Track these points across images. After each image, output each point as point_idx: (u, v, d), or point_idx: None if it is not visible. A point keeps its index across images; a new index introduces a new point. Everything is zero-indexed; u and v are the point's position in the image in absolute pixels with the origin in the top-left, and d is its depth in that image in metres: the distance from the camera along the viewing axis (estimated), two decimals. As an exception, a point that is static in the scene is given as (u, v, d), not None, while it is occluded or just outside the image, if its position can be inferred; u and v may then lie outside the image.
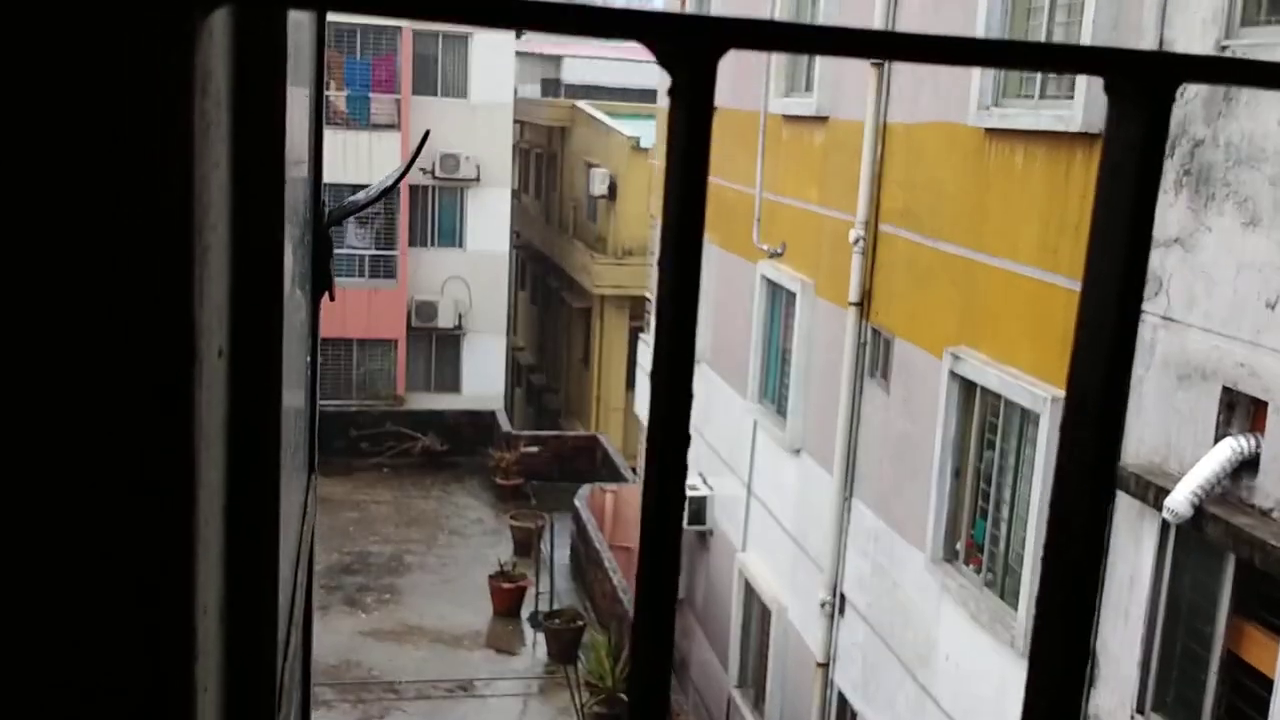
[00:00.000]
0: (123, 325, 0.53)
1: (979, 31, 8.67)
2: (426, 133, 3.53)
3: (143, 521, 0.55)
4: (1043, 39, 8.28)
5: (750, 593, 13.58)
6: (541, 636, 17.44)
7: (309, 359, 1.93)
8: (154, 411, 0.54)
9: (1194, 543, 6.64)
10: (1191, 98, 6.68)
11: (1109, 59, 0.47)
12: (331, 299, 2.00)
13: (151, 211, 0.52)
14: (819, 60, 11.77)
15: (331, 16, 24.86)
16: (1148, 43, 6.98)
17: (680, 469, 0.45)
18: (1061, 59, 0.47)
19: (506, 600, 18.24)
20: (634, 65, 35.94)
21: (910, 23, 10.07)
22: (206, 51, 0.60)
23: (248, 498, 0.89)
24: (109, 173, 0.51)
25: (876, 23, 10.39)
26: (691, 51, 0.41)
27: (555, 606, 17.85)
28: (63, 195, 0.50)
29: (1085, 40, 7.53)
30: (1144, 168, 0.46)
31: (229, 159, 0.77)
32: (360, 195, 2.77)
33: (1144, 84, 0.47)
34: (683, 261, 0.43)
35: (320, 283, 1.91)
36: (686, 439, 0.45)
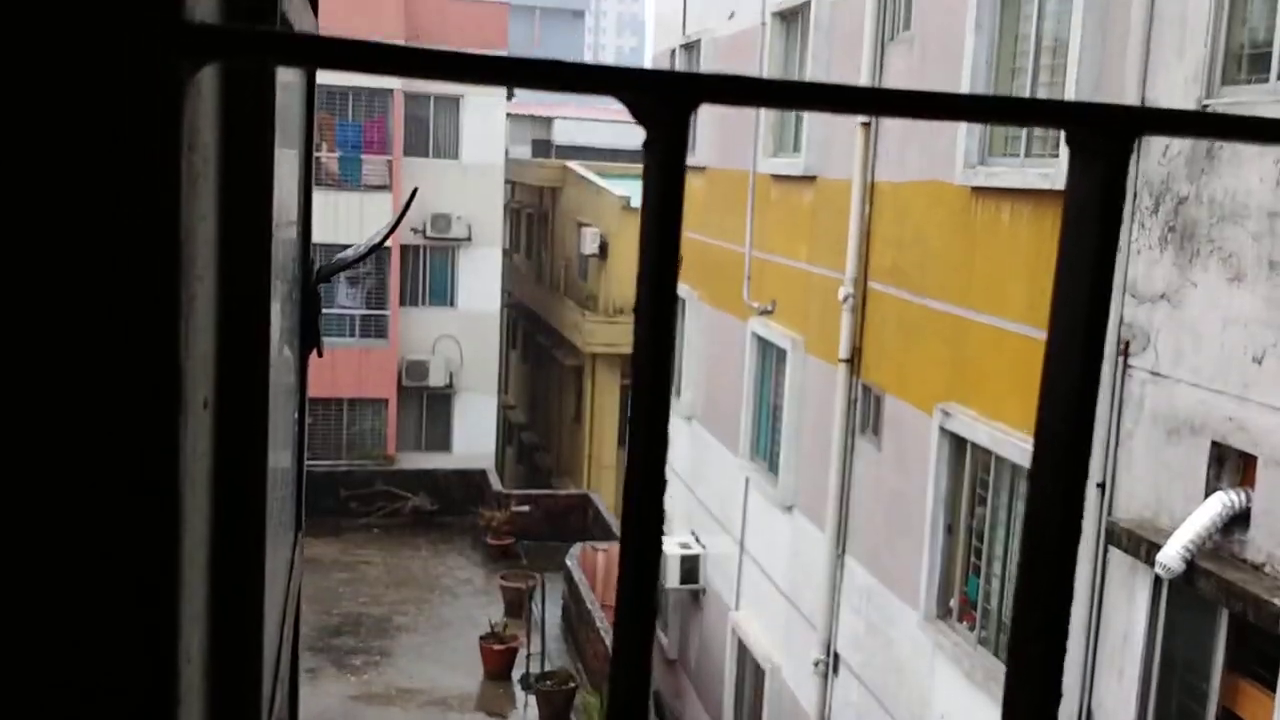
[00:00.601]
0: (109, 372, 0.53)
1: (970, 24, 8.77)
2: (414, 190, 3.56)
3: (126, 567, 0.55)
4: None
5: (743, 651, 13.47)
6: (533, 699, 17.23)
7: (296, 416, 1.93)
8: (140, 458, 0.54)
9: (1187, 598, 6.61)
10: (1175, 155, 6.76)
11: (1068, 111, 0.48)
12: (319, 355, 2.01)
13: (139, 261, 0.52)
14: (807, 121, 11.91)
15: (323, 79, 25.34)
16: (1130, 102, 7.08)
17: (658, 508, 0.46)
18: (1023, 112, 0.49)
19: (497, 662, 18.05)
20: (624, 126, 36.28)
21: (896, 82, 10.21)
22: (194, 107, 0.61)
23: (233, 550, 0.88)
24: (98, 222, 0.52)
25: (863, 83, 10.52)
26: (664, 105, 0.42)
27: (547, 668, 17.66)
28: (54, 241, 0.51)
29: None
30: (1104, 218, 0.48)
31: (216, 212, 0.78)
32: (349, 252, 2.79)
33: (1102, 136, 0.48)
34: (658, 308, 0.44)
35: (308, 339, 1.92)
36: (663, 483, 0.45)
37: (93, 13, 0.50)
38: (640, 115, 0.43)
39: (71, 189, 0.51)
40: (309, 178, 2.04)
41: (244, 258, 0.88)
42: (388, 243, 26.28)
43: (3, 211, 0.50)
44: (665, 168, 0.42)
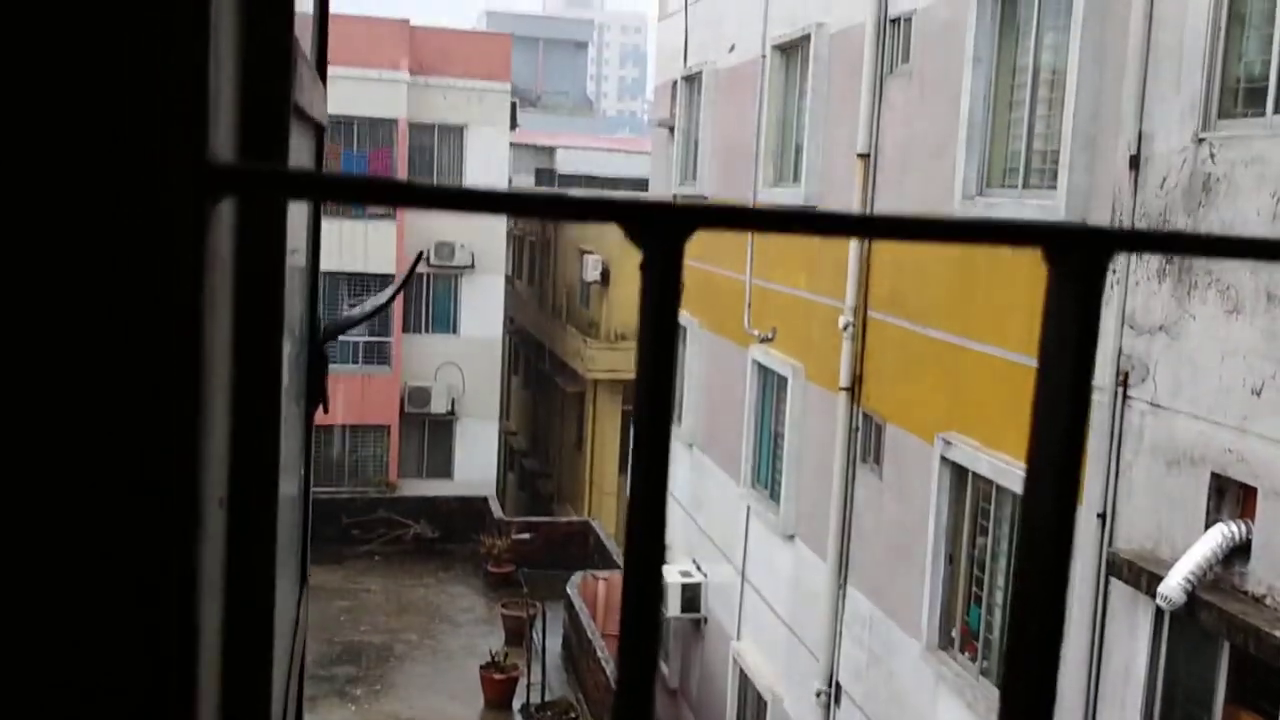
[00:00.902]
0: (129, 484, 0.56)
1: (968, 55, 8.82)
2: (420, 254, 3.61)
3: (143, 678, 0.58)
4: (1024, 131, 8.45)
5: (745, 682, 13.42)
6: (534, 728, 17.15)
7: (302, 473, 1.96)
8: (158, 565, 0.57)
9: (1188, 630, 6.60)
10: (1172, 188, 6.80)
11: (1045, 232, 0.51)
12: (325, 412, 2.04)
13: (162, 384, 0.56)
14: (807, 150, 11.98)
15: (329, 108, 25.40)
16: (1127, 134, 7.13)
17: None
18: (1000, 233, 0.51)
19: (498, 691, 17.98)
20: (625, 155, 36.45)
21: (895, 114, 10.28)
22: (216, 232, 0.65)
23: (243, 642, 0.91)
24: (121, 348, 0.55)
25: (862, 120, 10.59)
26: (661, 233, 0.45)
27: (547, 698, 17.59)
28: (86, 371, 0.55)
29: (1066, 131, 7.68)
30: (1082, 332, 0.50)
31: (231, 327, 0.82)
32: (355, 311, 2.82)
33: (1078, 254, 0.50)
34: (654, 412, 0.46)
35: (314, 397, 1.94)
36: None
37: (124, 154, 0.54)
38: (638, 240, 0.46)
39: (96, 320, 0.54)
40: (317, 233, 2.06)
41: (257, 357, 0.91)
42: (391, 269, 26.35)
43: (36, 336, 0.54)
44: (661, 290, 0.45)
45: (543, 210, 0.46)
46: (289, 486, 1.60)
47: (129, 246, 0.54)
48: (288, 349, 1.58)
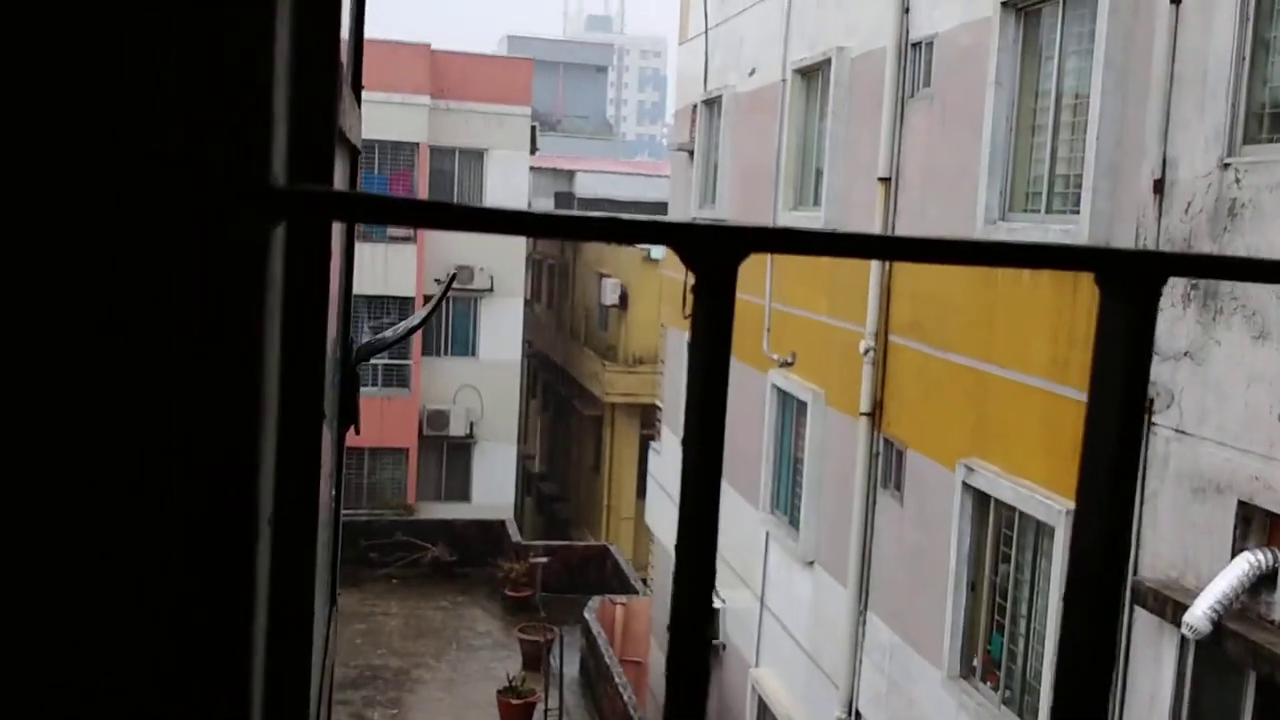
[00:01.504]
0: (190, 512, 0.57)
1: (990, 79, 8.80)
2: (453, 274, 3.62)
3: (204, 696, 0.59)
4: (1046, 156, 8.43)
5: (764, 709, 13.32)
6: (550, 753, 17.06)
7: (334, 492, 1.95)
8: (223, 583, 0.58)
9: (1214, 659, 6.52)
10: (1198, 212, 6.76)
11: (1098, 256, 0.50)
12: (357, 433, 2.03)
13: (223, 399, 0.57)
14: (827, 173, 11.98)
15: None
16: (1151, 160, 7.09)
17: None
18: (1052, 257, 0.50)
19: (515, 716, 17.90)
20: (644, 179, 36.57)
21: (916, 138, 10.27)
22: (274, 252, 0.67)
23: (284, 662, 0.91)
24: (190, 375, 0.56)
25: (882, 144, 10.59)
26: (715, 255, 0.45)
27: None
28: (156, 394, 0.56)
29: (1089, 156, 7.65)
30: (1133, 356, 0.49)
31: (279, 348, 0.83)
32: (389, 333, 2.82)
33: (1131, 278, 0.49)
34: (706, 441, 0.46)
35: (346, 418, 1.94)
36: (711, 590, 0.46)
37: (191, 180, 0.55)
38: (692, 263, 0.46)
39: (163, 342, 0.56)
40: (350, 256, 2.06)
41: (301, 378, 0.92)
42: (411, 292, 26.47)
43: (105, 360, 0.55)
44: (714, 312, 0.45)
45: (595, 233, 0.46)
46: (323, 507, 1.59)
47: (197, 269, 0.55)
48: (325, 371, 1.59)
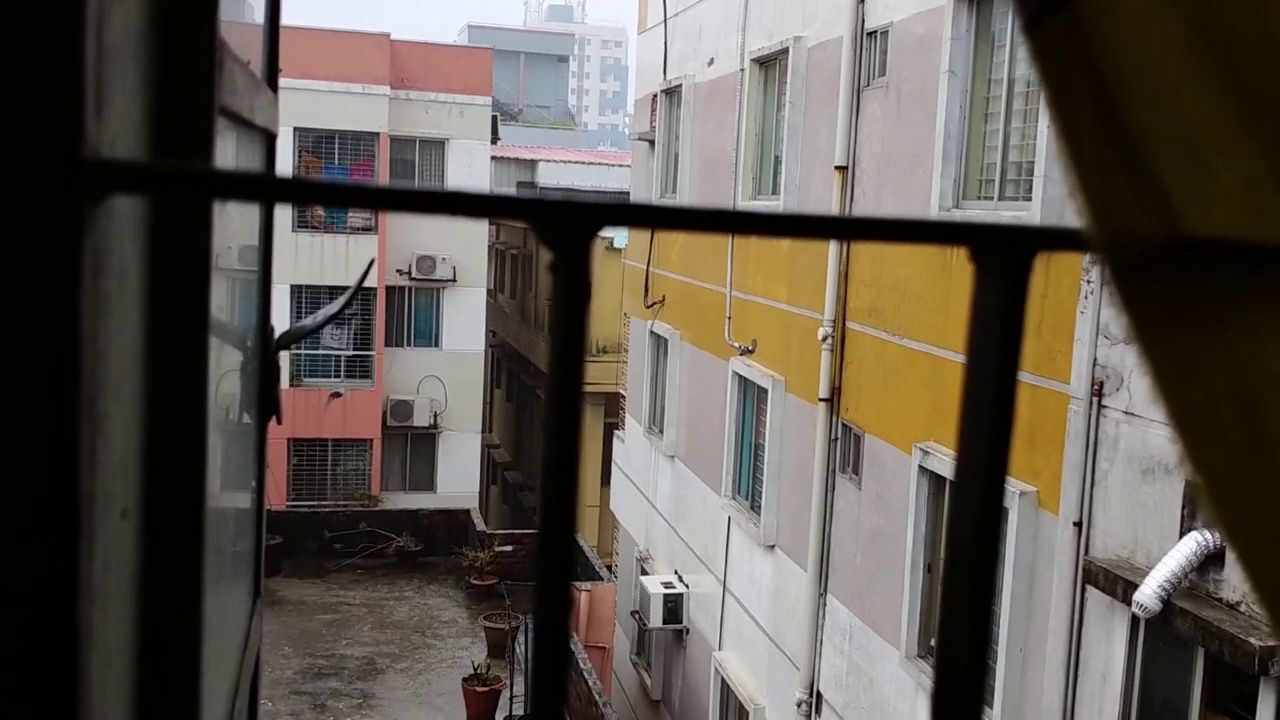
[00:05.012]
0: (3, 501, 0.54)
1: (943, 69, 8.90)
2: (371, 261, 3.62)
3: (24, 691, 0.56)
4: (999, 145, 8.53)
5: (727, 691, 13.43)
6: (516, 741, 17.11)
7: (255, 484, 1.96)
8: (38, 578, 0.55)
9: (1164, 637, 6.65)
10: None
11: (971, 232, 0.51)
12: (278, 423, 2.05)
13: (32, 390, 0.53)
14: (785, 163, 12.05)
15: (310, 123, 24.74)
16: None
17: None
18: (929, 232, 0.52)
19: (480, 704, 17.93)
20: (606, 169, 36.51)
21: (872, 127, 10.35)
22: (105, 230, 0.62)
23: (165, 651, 0.90)
24: None
25: (839, 133, 10.66)
26: (567, 231, 0.47)
27: (530, 710, 17.52)
28: None
29: (1042, 143, 7.76)
30: (1007, 331, 0.50)
31: (141, 323, 0.81)
32: (308, 320, 2.84)
33: (1005, 254, 0.51)
34: (564, 420, 0.48)
35: (267, 408, 1.95)
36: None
37: None
38: (546, 239, 0.47)
39: None
40: (270, 235, 2.08)
41: (177, 364, 0.90)
42: (374, 284, 26.30)
43: None
44: (569, 288, 0.46)
45: (450, 207, 0.47)
46: (233, 498, 1.59)
47: None
48: (237, 358, 1.59)
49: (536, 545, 0.49)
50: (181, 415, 0.90)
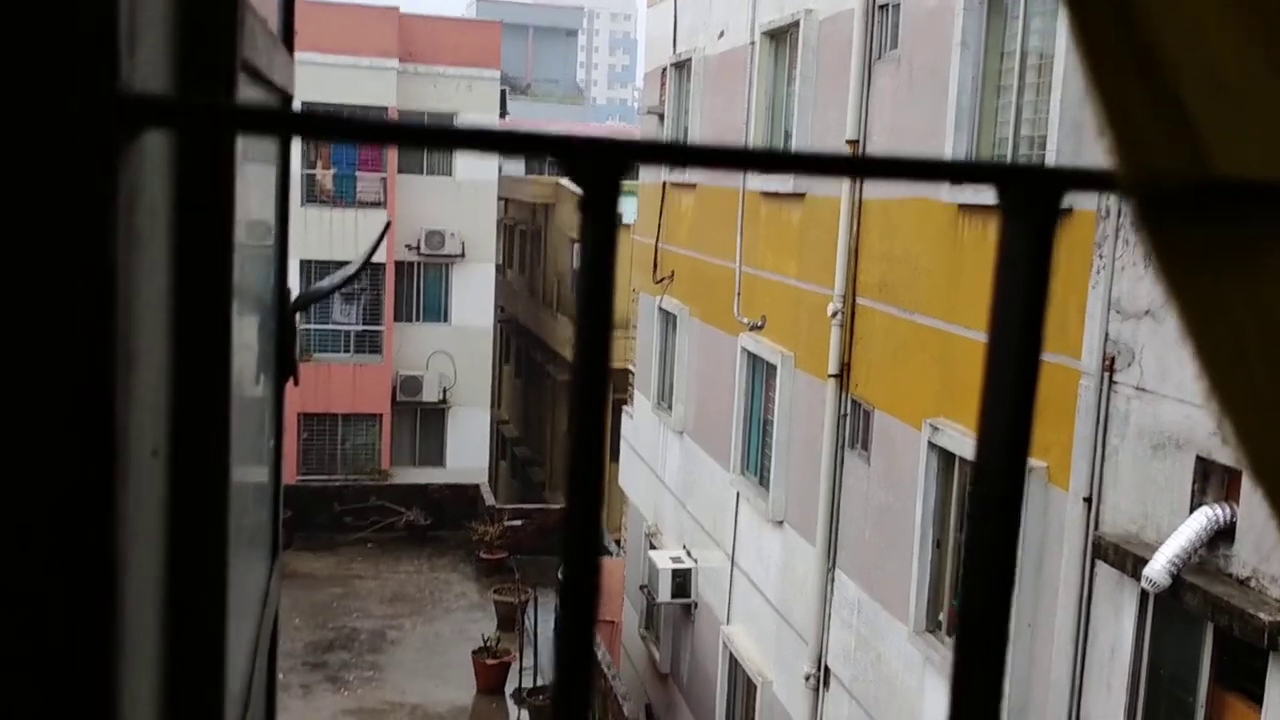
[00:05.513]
0: (41, 434, 0.55)
1: (955, 40, 8.84)
2: (387, 223, 3.61)
3: (61, 622, 0.56)
4: (1011, 118, 8.47)
5: (735, 666, 13.48)
6: (526, 713, 17.22)
7: (273, 443, 1.97)
8: (74, 509, 0.56)
9: (1173, 612, 6.65)
10: (1157, 173, 6.83)
11: (998, 173, 0.51)
12: (295, 384, 2.05)
13: (69, 329, 0.54)
14: (796, 135, 11.99)
15: (318, 97, 24.65)
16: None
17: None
18: (954, 172, 0.51)
19: (490, 677, 18.04)
20: (617, 141, 36.36)
21: (884, 103, 10.29)
22: (138, 167, 0.63)
23: (191, 594, 0.91)
24: (24, 293, 0.54)
25: (850, 106, 10.60)
26: (597, 169, 0.46)
27: (540, 682, 17.65)
28: None
29: (1054, 116, 7.70)
30: (1033, 274, 0.50)
31: (169, 266, 0.82)
32: (325, 282, 2.83)
33: (1031, 195, 0.50)
34: (591, 359, 0.47)
35: (284, 368, 1.95)
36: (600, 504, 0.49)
37: (27, 84, 0.52)
38: (576, 177, 0.47)
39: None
40: (286, 201, 2.07)
41: (201, 309, 0.91)
42: (383, 259, 26.32)
43: None
44: (598, 225, 0.46)
45: (477, 144, 0.47)
46: (254, 455, 1.60)
47: (28, 174, 0.53)
48: (255, 317, 1.59)
49: (565, 484, 0.48)
50: (205, 358, 0.90)
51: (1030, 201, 0.51)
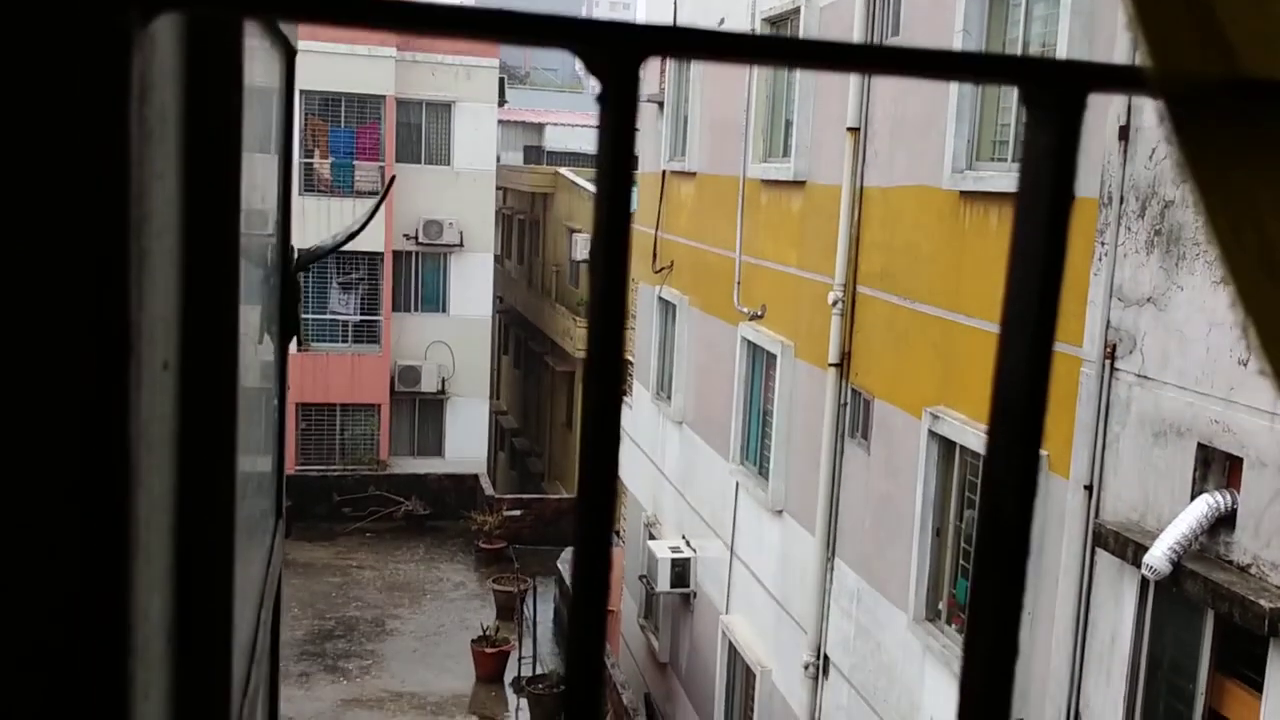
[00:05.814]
0: (55, 325, 0.54)
1: (957, 28, 8.80)
2: (393, 178, 3.60)
3: (73, 526, 0.55)
4: (1013, 105, 8.43)
5: (734, 655, 13.48)
6: (525, 702, 17.23)
7: (276, 402, 1.95)
8: (88, 409, 0.55)
9: (1174, 599, 6.65)
10: (1161, 159, 6.81)
11: (1021, 67, 0.49)
12: (300, 345, 2.04)
13: (85, 214, 0.54)
14: (796, 126, 11.95)
15: (315, 85, 24.60)
16: (1116, 107, 7.12)
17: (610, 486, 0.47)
18: (975, 67, 0.50)
19: (489, 665, 18.05)
20: (616, 131, 36.36)
21: (885, 87, 10.26)
22: (149, 59, 0.62)
23: (199, 510, 0.89)
24: (36, 178, 0.53)
25: (851, 94, 10.56)
26: (615, 57, 0.43)
27: (539, 671, 17.67)
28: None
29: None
30: (1059, 173, 0.48)
31: (179, 170, 0.80)
32: (327, 240, 2.81)
33: (1056, 91, 0.49)
34: (611, 265, 0.45)
35: (288, 326, 1.94)
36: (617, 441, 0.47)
37: None
38: (592, 67, 0.44)
39: (10, 143, 0.52)
40: (288, 166, 2.05)
41: (210, 217, 0.89)
42: (380, 247, 26.25)
43: None
44: (616, 115, 0.44)
45: (492, 32, 0.44)
46: (259, 410, 1.58)
47: (37, 73, 0.52)
48: (259, 274, 1.57)
49: (583, 409, 0.46)
50: (216, 272, 0.89)
51: (1056, 97, 0.50)
